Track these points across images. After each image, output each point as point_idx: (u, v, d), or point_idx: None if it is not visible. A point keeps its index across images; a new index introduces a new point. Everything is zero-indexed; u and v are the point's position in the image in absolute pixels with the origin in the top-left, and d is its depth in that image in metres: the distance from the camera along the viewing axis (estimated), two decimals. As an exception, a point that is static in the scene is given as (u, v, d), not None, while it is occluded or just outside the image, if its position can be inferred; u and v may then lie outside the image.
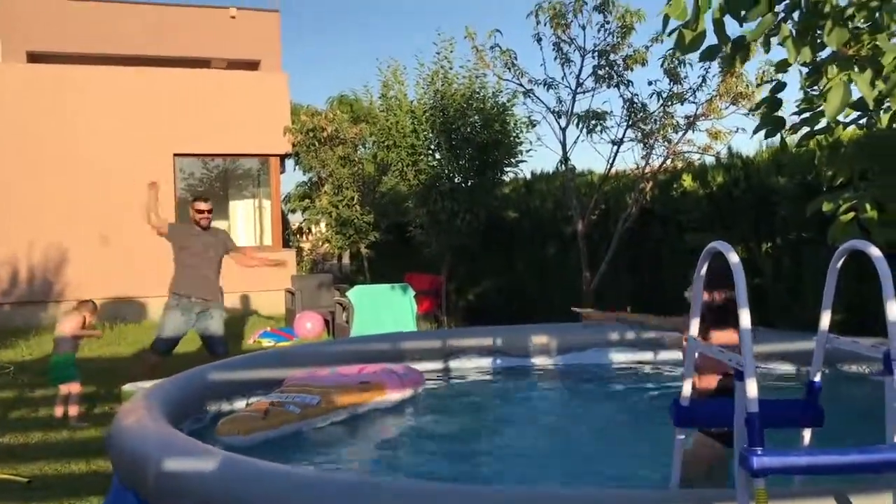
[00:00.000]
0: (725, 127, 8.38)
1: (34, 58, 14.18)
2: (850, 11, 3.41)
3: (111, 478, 4.85)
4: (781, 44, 3.33)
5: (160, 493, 3.28)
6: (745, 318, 2.44)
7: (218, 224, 14.83)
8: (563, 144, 9.02)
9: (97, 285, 12.59)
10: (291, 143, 14.13)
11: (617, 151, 8.63)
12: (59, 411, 6.36)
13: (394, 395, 5.54)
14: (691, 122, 8.51)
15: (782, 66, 3.64)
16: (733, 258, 2.59)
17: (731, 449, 2.81)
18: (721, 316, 3.43)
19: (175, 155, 13.66)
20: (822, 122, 3.98)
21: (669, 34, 3.53)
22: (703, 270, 2.89)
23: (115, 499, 3.77)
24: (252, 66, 15.66)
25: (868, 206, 3.89)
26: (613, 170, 9.07)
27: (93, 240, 12.86)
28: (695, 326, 2.95)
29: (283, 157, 14.84)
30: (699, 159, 8.54)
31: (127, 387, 6.67)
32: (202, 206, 7.25)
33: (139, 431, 3.63)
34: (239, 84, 14.34)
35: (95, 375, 8.23)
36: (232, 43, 15.44)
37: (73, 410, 6.30)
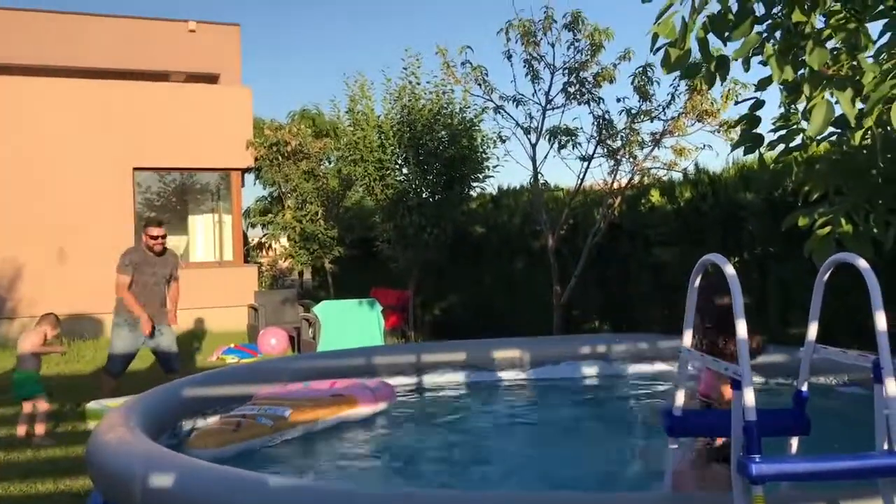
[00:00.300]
0: (691, 143, 8.55)
1: (-11, 69, 13.89)
2: (827, 32, 3.52)
3: (80, 497, 4.76)
4: (765, 62, 3.42)
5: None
6: (741, 328, 2.50)
7: (177, 239, 14.79)
8: (534, 160, 9.11)
9: (54, 301, 12.26)
10: (254, 158, 14.02)
11: (587, 167, 8.74)
12: (21, 430, 6.21)
13: (365, 409, 5.58)
14: (657, 140, 8.66)
15: (764, 83, 3.74)
16: (729, 270, 2.65)
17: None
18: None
19: (134, 169, 13.46)
20: (797, 140, 4.09)
21: (656, 52, 3.60)
22: (697, 283, 2.95)
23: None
24: (212, 79, 15.54)
25: (843, 221, 4.00)
26: (583, 185, 9.18)
27: (49, 255, 12.59)
28: (688, 337, 2.99)
29: (244, 172, 14.72)
30: (665, 175, 8.69)
31: (91, 404, 6.58)
32: (155, 231, 7.24)
33: (122, 447, 3.56)
34: (200, 97, 14.21)
35: (57, 393, 8.03)
36: (191, 56, 15.30)
37: (40, 429, 6.15)
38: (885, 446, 2.54)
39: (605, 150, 8.73)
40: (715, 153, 23.17)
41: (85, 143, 12.96)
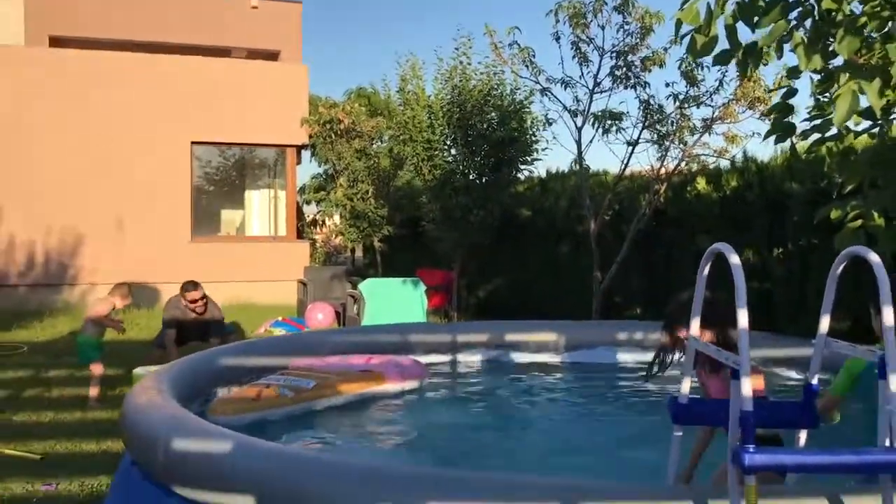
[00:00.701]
0: (741, 131, 8.39)
1: (56, 42, 14.34)
2: (862, 20, 3.44)
3: (120, 458, 4.97)
4: (793, 51, 3.37)
5: (169, 471, 3.36)
6: (742, 318, 2.48)
7: (234, 213, 15.15)
8: (579, 144, 9.05)
9: (112, 270, 12.74)
10: (308, 135, 14.21)
11: (632, 152, 8.65)
12: (93, 392, 6.47)
13: (393, 386, 5.62)
14: (708, 126, 8.52)
15: (794, 72, 3.68)
16: (734, 259, 2.63)
17: None
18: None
19: (192, 143, 13.78)
20: (833, 129, 4.02)
21: (682, 38, 3.57)
22: (706, 271, 2.94)
23: (123, 476, 3.86)
24: (272, 56, 15.76)
25: (876, 215, 3.92)
26: (628, 171, 9.09)
27: (109, 225, 13.01)
28: (695, 326, 2.99)
29: (299, 148, 14.94)
30: (714, 163, 8.55)
31: (138, 370, 6.83)
32: (191, 295, 7.41)
33: (148, 410, 3.71)
34: (258, 74, 14.44)
35: (109, 359, 8.37)
36: (253, 33, 15.53)
37: (93, 391, 6.43)
38: (887, 443, 2.51)
39: (653, 134, 8.61)
40: (764, 142, 22.60)
41: (145, 116, 13.33)
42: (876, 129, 4.15)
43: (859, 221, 3.91)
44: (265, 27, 15.65)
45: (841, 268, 2.93)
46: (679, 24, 3.35)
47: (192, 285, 7.51)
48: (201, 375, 4.98)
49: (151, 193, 13.23)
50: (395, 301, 10.08)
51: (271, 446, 3.38)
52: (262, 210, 15.42)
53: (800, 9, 3.38)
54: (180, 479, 3.29)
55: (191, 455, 3.31)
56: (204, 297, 7.49)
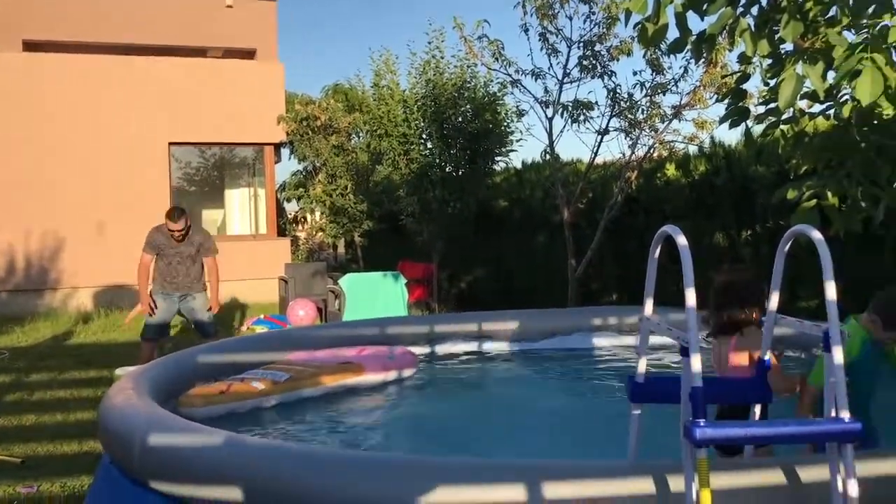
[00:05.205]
0: (710, 117, 8.51)
1: (30, 46, 14.27)
2: (808, 5, 3.53)
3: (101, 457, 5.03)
4: (740, 37, 3.46)
5: (145, 469, 3.42)
6: (690, 297, 2.57)
7: (215, 213, 15.11)
8: (550, 134, 9.14)
9: (92, 273, 12.76)
10: (286, 132, 14.24)
11: (601, 141, 8.74)
12: None
13: (374, 377, 5.65)
14: (678, 112, 8.62)
15: (745, 58, 3.77)
16: (681, 240, 2.72)
17: None
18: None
19: (170, 143, 13.78)
20: (789, 112, 4.12)
21: (635, 27, 3.66)
22: (657, 253, 3.03)
23: (103, 475, 3.92)
24: (248, 54, 15.73)
25: (829, 195, 4.03)
26: (601, 159, 9.21)
27: (89, 228, 13.00)
28: (649, 305, 3.09)
29: (277, 146, 14.95)
30: (684, 148, 8.66)
31: (119, 371, 6.88)
32: (172, 226, 7.26)
33: (123, 409, 3.77)
34: (235, 73, 14.44)
35: (92, 360, 8.43)
36: (228, 32, 15.49)
37: None
38: (833, 413, 2.61)
39: (625, 122, 8.71)
40: (717, 125, 22.74)
41: (123, 118, 13.30)
42: (831, 112, 4.26)
43: (814, 201, 4.01)
44: (241, 26, 15.61)
45: (788, 245, 3.03)
46: (629, 13, 3.43)
47: (177, 213, 7.31)
48: (179, 374, 5.02)
49: (131, 195, 13.21)
50: (377, 295, 10.15)
51: (247, 439, 3.45)
52: (242, 209, 15.43)
53: (747, -4, 3.48)
54: (158, 475, 3.36)
55: (167, 451, 3.37)
56: (183, 229, 7.29)
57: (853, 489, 2.47)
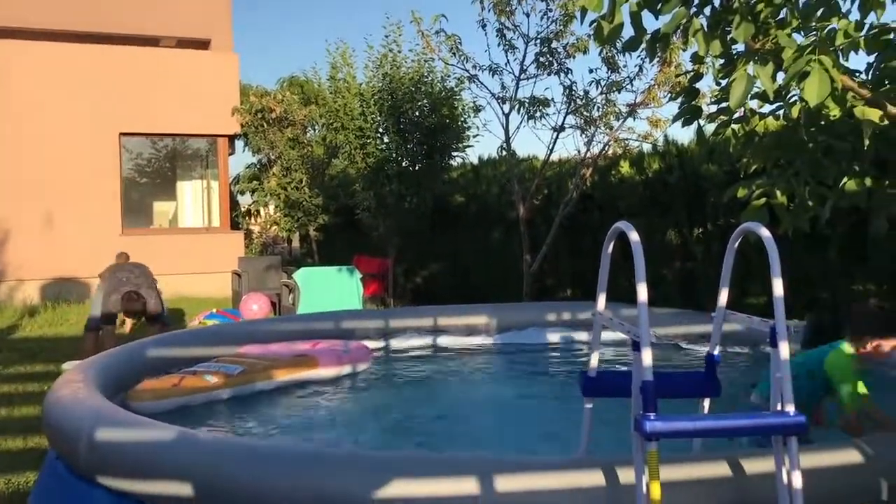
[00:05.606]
0: (664, 115, 8.63)
1: (-25, 32, 13.89)
2: (759, 7, 3.60)
3: (46, 454, 4.92)
4: (693, 37, 3.51)
5: (91, 464, 3.36)
6: (642, 293, 2.61)
7: (167, 205, 14.93)
8: (506, 130, 9.19)
9: (41, 265, 12.47)
10: (240, 124, 14.07)
11: (557, 138, 8.81)
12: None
13: (328, 371, 5.64)
14: (632, 110, 8.72)
15: (697, 58, 3.83)
16: (634, 237, 2.76)
17: None
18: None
19: (121, 134, 13.52)
20: (740, 112, 4.20)
21: (591, 25, 3.69)
22: (610, 249, 3.08)
23: (48, 471, 3.84)
24: (202, 45, 15.50)
25: (778, 193, 4.12)
26: (556, 156, 9.28)
27: (36, 220, 12.70)
28: (601, 301, 3.13)
29: (231, 138, 14.77)
30: (638, 146, 8.77)
31: (66, 365, 6.75)
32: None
33: (69, 403, 3.70)
34: (188, 63, 14.21)
35: (38, 354, 8.24)
36: (182, 21, 15.25)
37: None
38: (778, 407, 2.68)
39: (581, 120, 8.79)
40: (669, 124, 23.12)
41: (72, 107, 13.01)
42: (780, 112, 4.36)
43: (763, 200, 4.10)
44: (195, 16, 15.37)
45: (737, 242, 3.10)
46: (584, 11, 3.46)
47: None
48: (129, 367, 4.94)
49: (80, 186, 12.94)
50: (331, 289, 10.08)
51: (197, 434, 3.41)
52: (195, 201, 15.22)
53: (700, -4, 3.54)
54: (105, 470, 3.30)
55: (115, 446, 3.32)
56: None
57: (797, 481, 2.53)
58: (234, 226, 15.28)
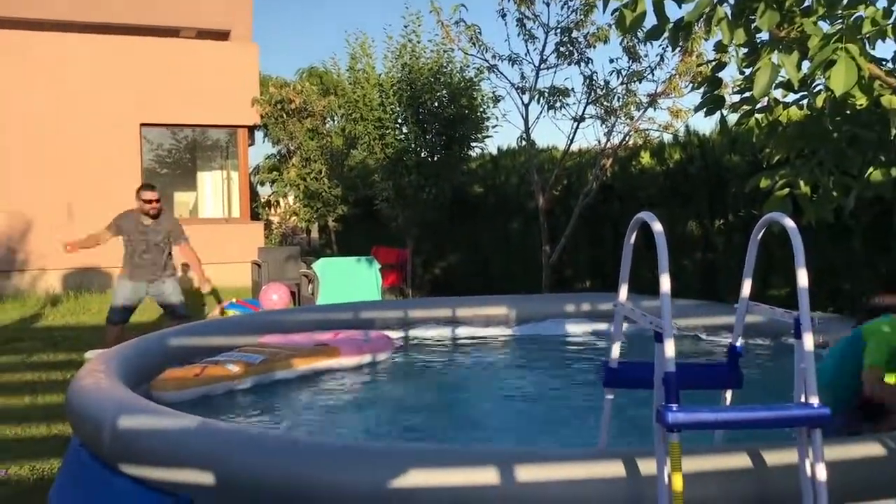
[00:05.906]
0: (686, 105, 8.56)
1: (-2, 24, 13.99)
2: (785, -6, 3.55)
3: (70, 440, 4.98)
4: (716, 25, 3.47)
5: (115, 452, 3.39)
6: (665, 283, 2.59)
7: (187, 195, 14.96)
8: (526, 120, 9.15)
9: (61, 255, 12.51)
10: (260, 115, 14.11)
11: (577, 128, 8.77)
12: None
13: (349, 360, 5.65)
14: (653, 100, 8.66)
15: (721, 47, 3.79)
16: (657, 227, 2.73)
17: None
18: None
19: (142, 125, 13.59)
20: (763, 102, 4.15)
21: (613, 14, 3.66)
22: (632, 239, 3.05)
23: (71, 459, 3.88)
24: (222, 35, 15.53)
25: (802, 183, 4.07)
26: (576, 146, 9.23)
27: (58, 209, 12.80)
28: (623, 291, 3.11)
29: (251, 129, 14.81)
30: (659, 137, 8.70)
31: (88, 354, 6.81)
32: (148, 195, 7.26)
33: (93, 392, 3.73)
34: (208, 54, 14.25)
35: (61, 343, 8.33)
36: (202, 12, 15.28)
37: None
38: (802, 399, 2.65)
39: (601, 110, 8.74)
40: (696, 115, 22.97)
41: (94, 98, 13.09)
42: (805, 101, 4.30)
43: (787, 190, 4.05)
44: (215, 6, 15.39)
45: (761, 233, 3.07)
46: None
47: (149, 185, 7.42)
48: (152, 357, 4.98)
49: (101, 177, 13.02)
50: (350, 280, 10.11)
51: (219, 423, 3.43)
52: (215, 192, 15.29)
53: (723, -16, 3.49)
54: (128, 458, 3.33)
55: (137, 434, 3.34)
56: (159, 199, 7.34)
57: (821, 474, 2.51)
58: (254, 216, 15.34)
